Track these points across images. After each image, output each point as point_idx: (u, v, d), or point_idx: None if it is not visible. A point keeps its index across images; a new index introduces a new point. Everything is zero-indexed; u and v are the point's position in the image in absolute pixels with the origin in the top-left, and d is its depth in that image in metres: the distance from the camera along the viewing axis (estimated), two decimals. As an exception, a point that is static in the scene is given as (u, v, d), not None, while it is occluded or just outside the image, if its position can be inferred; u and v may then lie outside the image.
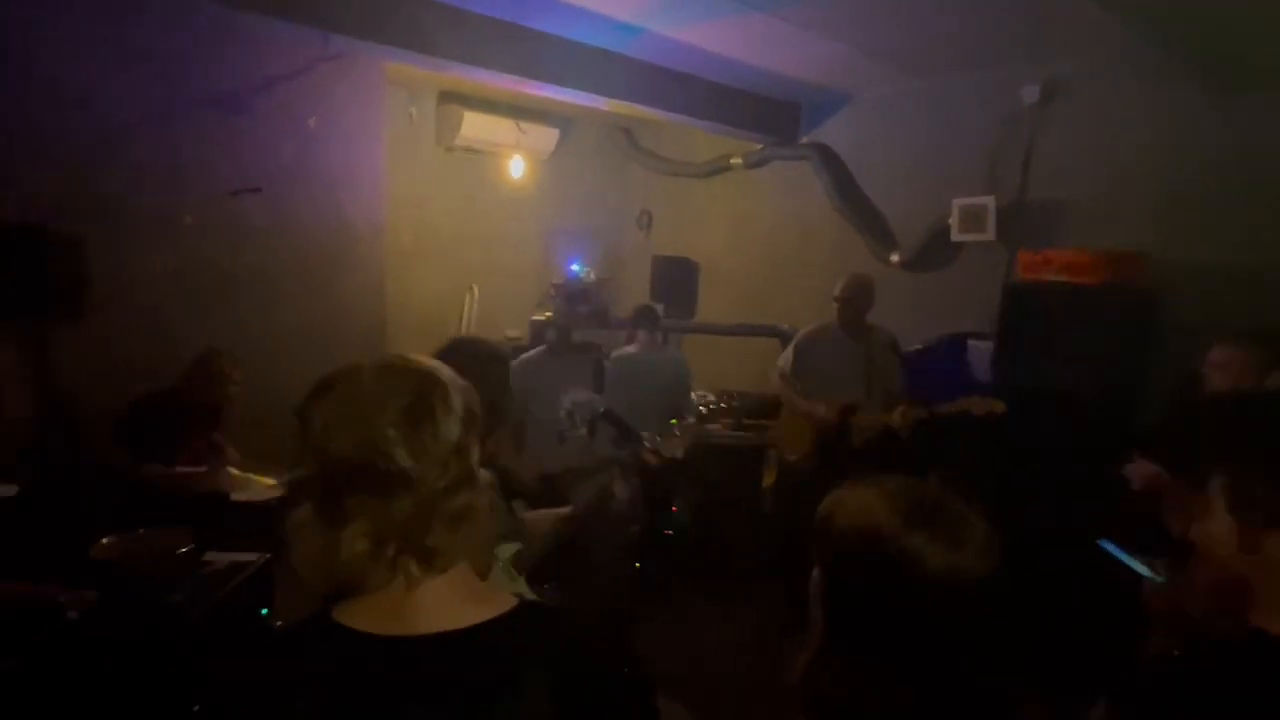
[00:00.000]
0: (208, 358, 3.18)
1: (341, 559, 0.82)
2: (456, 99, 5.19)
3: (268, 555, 2.14)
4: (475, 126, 5.22)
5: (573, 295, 3.09)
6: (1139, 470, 2.29)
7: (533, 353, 3.15)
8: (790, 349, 3.79)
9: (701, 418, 3.35)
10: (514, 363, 3.06)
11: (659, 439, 2.24)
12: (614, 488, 2.01)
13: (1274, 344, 2.18)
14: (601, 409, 2.14)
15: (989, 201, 4.21)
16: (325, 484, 0.85)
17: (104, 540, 2.34)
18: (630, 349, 3.89)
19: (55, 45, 3.31)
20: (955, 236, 4.35)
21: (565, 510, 2.08)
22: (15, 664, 1.76)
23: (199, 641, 1.79)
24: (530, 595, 1.65)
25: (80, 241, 3.06)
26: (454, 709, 0.81)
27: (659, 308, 4.31)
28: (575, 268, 5.56)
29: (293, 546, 0.86)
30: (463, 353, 1.84)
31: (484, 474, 0.92)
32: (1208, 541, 1.12)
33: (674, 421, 3.02)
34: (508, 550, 1.80)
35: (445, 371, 0.92)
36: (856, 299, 3.59)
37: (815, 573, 0.93)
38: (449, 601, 0.86)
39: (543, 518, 2.05)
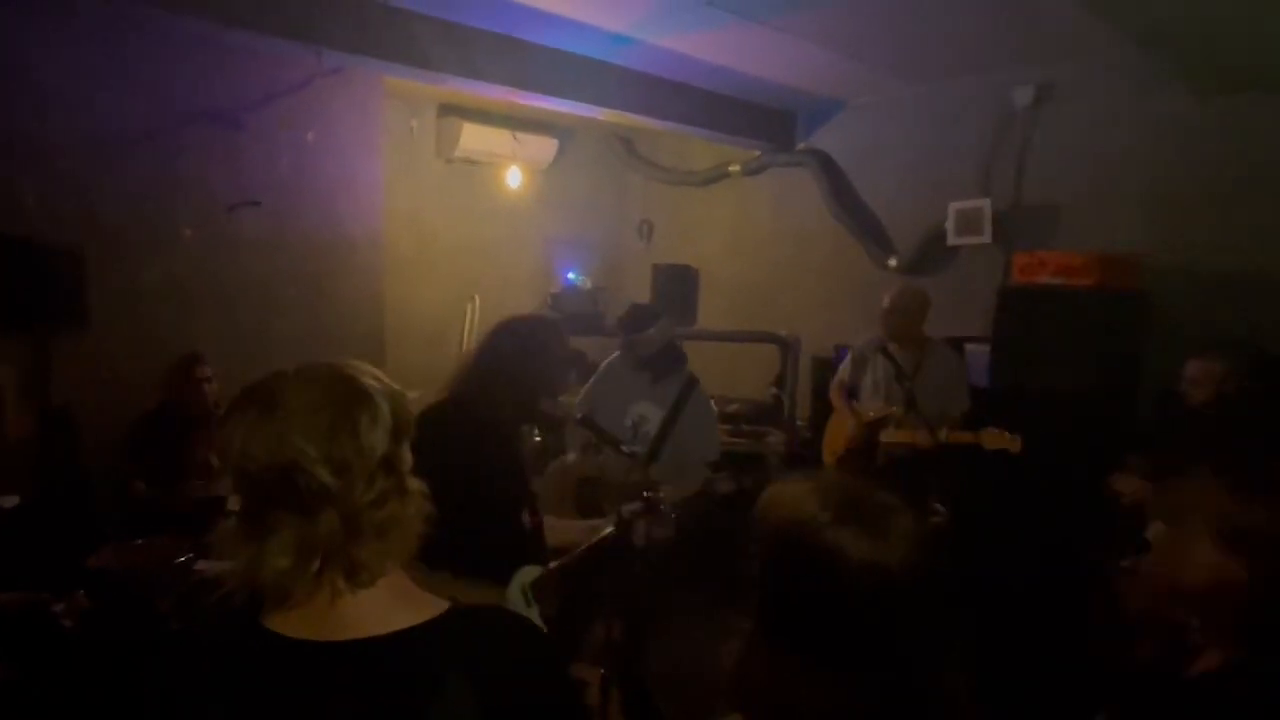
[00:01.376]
0: (180, 365, 3.25)
1: (265, 574, 0.81)
2: (456, 111, 5.24)
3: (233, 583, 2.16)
4: (474, 138, 5.27)
5: (632, 319, 2.88)
6: (1125, 484, 2.29)
7: (616, 358, 3.02)
8: (848, 361, 3.73)
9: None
10: (602, 364, 3.06)
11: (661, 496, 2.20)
12: (640, 525, 2.01)
13: (1243, 354, 2.19)
14: (579, 415, 2.14)
15: (984, 204, 4.21)
16: (247, 499, 0.84)
17: (103, 550, 2.38)
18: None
19: (55, 63, 3.38)
20: (951, 240, 4.35)
21: (584, 524, 2.09)
22: (8, 671, 1.79)
23: (181, 649, 1.82)
24: (536, 621, 1.63)
25: (81, 256, 3.12)
26: (378, 713, 0.81)
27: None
28: (571, 276, 5.60)
29: (221, 560, 0.86)
30: (517, 328, 1.92)
31: (414, 482, 0.90)
32: (1170, 553, 1.11)
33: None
34: (529, 574, 1.81)
35: (371, 380, 0.89)
36: (901, 311, 3.43)
37: (753, 569, 0.94)
38: (378, 606, 0.85)
39: (564, 527, 2.07)
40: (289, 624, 0.84)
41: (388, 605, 0.86)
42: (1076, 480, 3.09)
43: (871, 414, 3.42)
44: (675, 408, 2.75)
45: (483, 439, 1.72)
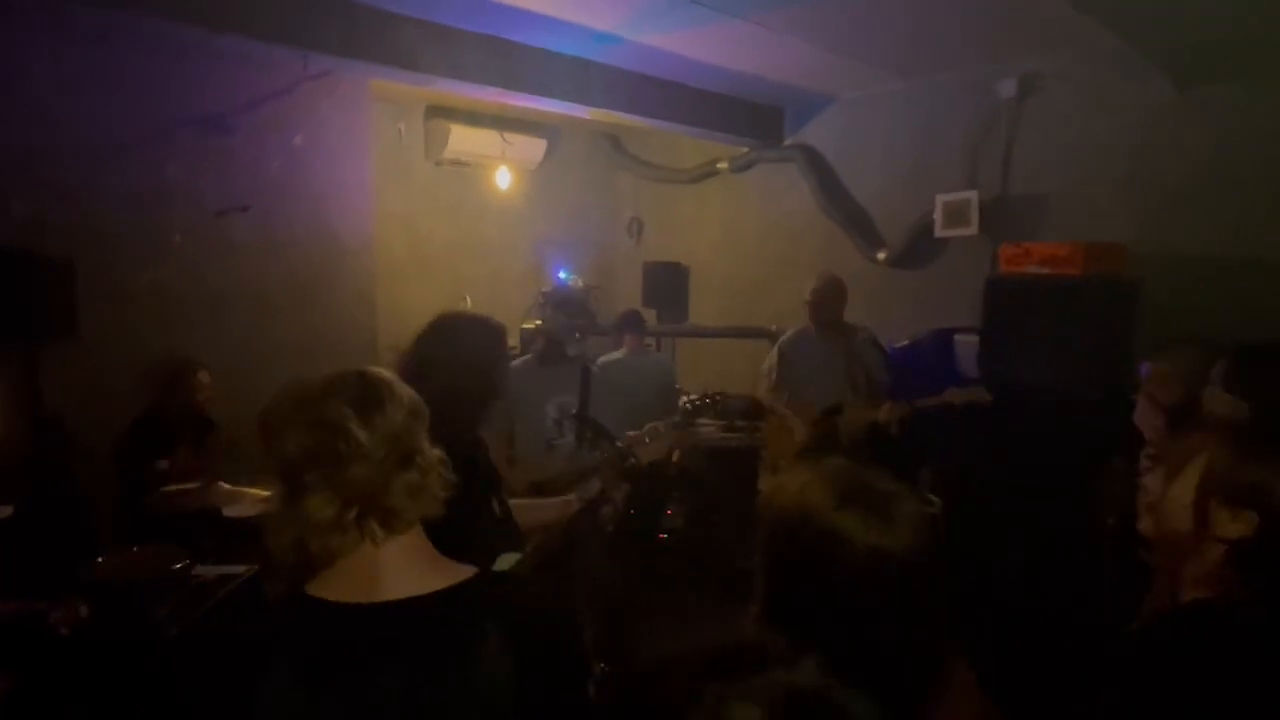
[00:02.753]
0: (173, 368, 3.24)
1: (310, 524, 0.89)
2: (444, 113, 5.24)
3: (256, 567, 2.18)
4: (463, 140, 5.27)
5: (563, 304, 3.08)
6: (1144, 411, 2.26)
7: (520, 361, 3.14)
8: (773, 354, 3.80)
9: (685, 414, 3.37)
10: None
11: (638, 443, 2.26)
12: (609, 490, 2.04)
13: (1208, 352, 2.13)
14: (574, 410, 2.15)
15: (972, 196, 4.24)
16: (287, 471, 0.92)
17: (99, 558, 2.38)
18: (617, 354, 3.93)
19: (43, 72, 3.37)
20: (939, 232, 4.38)
21: (558, 500, 2.10)
22: (5, 681, 1.80)
23: (180, 653, 1.83)
24: None
25: (70, 264, 3.10)
26: (420, 668, 0.87)
27: (647, 313, 4.33)
28: (563, 275, 5.61)
29: (268, 533, 0.93)
30: (451, 323, 1.87)
31: (434, 452, 0.99)
32: (1167, 501, 1.16)
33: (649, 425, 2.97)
34: (508, 561, 1.83)
35: (388, 374, 1.00)
36: (827, 299, 3.61)
37: (757, 556, 0.96)
38: (413, 569, 0.93)
39: (537, 506, 2.09)
40: (331, 589, 0.92)
41: (421, 570, 0.94)
42: (1066, 469, 3.12)
43: (818, 405, 3.48)
44: (583, 392, 2.83)
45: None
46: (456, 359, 1.77)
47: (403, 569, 0.93)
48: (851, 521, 0.87)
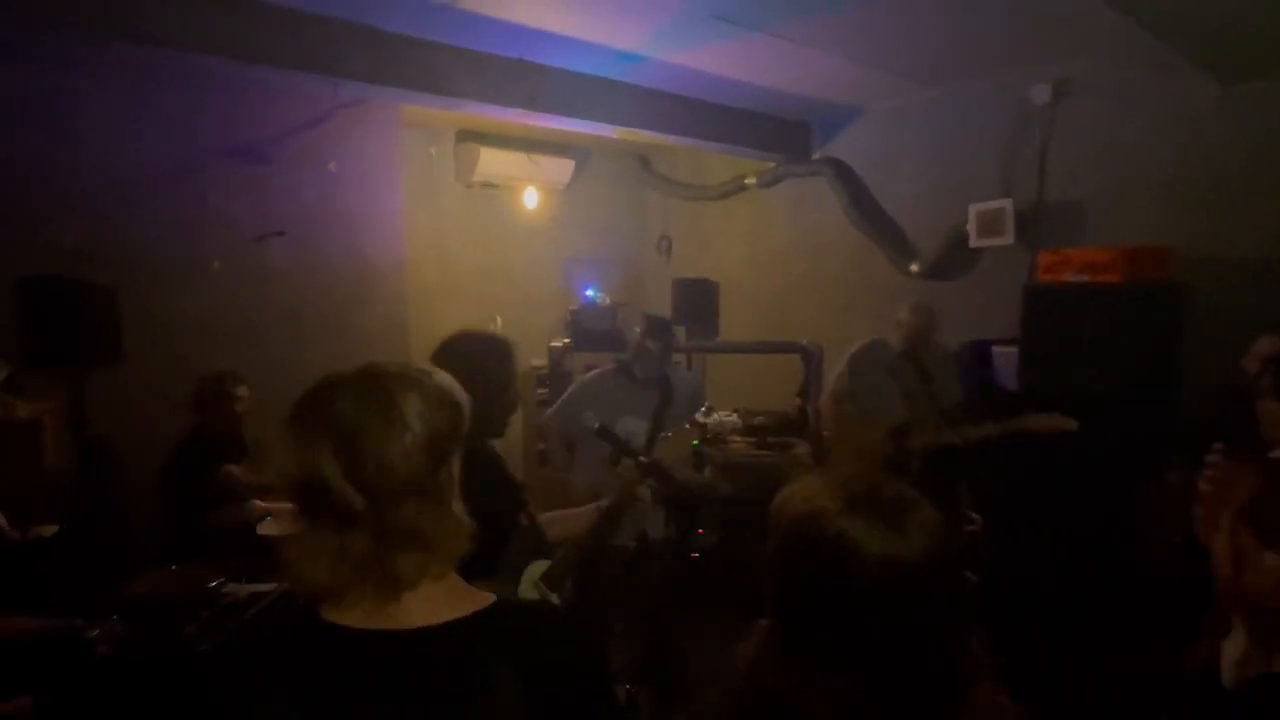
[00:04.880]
0: (208, 380, 3.27)
1: (307, 582, 0.86)
2: (473, 137, 5.33)
3: (286, 584, 2.19)
4: (492, 162, 5.35)
5: (655, 328, 3.04)
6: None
7: (600, 372, 3.06)
8: (844, 369, 3.65)
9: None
10: (582, 378, 3.08)
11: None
12: (637, 490, 2.02)
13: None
14: (596, 425, 2.13)
15: (1006, 205, 4.15)
16: (298, 508, 0.88)
17: (138, 576, 2.42)
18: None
19: (86, 107, 3.52)
20: (974, 242, 4.29)
21: (586, 509, 2.07)
22: (43, 698, 1.83)
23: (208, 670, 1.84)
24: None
25: (113, 291, 3.21)
26: (430, 701, 0.84)
27: (677, 329, 4.30)
28: (590, 293, 5.63)
29: (295, 562, 0.88)
30: (459, 349, 1.87)
31: (456, 504, 0.92)
32: (1215, 554, 1.08)
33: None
34: (539, 569, 1.82)
35: (414, 400, 0.89)
36: (923, 324, 3.48)
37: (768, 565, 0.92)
38: (428, 599, 0.89)
39: (567, 517, 2.06)
40: (344, 615, 0.88)
41: (437, 598, 0.90)
42: (1115, 481, 3.00)
43: (890, 422, 3.35)
44: (656, 419, 2.76)
45: None
46: (470, 377, 1.76)
47: (422, 596, 0.88)
48: (861, 527, 0.83)
